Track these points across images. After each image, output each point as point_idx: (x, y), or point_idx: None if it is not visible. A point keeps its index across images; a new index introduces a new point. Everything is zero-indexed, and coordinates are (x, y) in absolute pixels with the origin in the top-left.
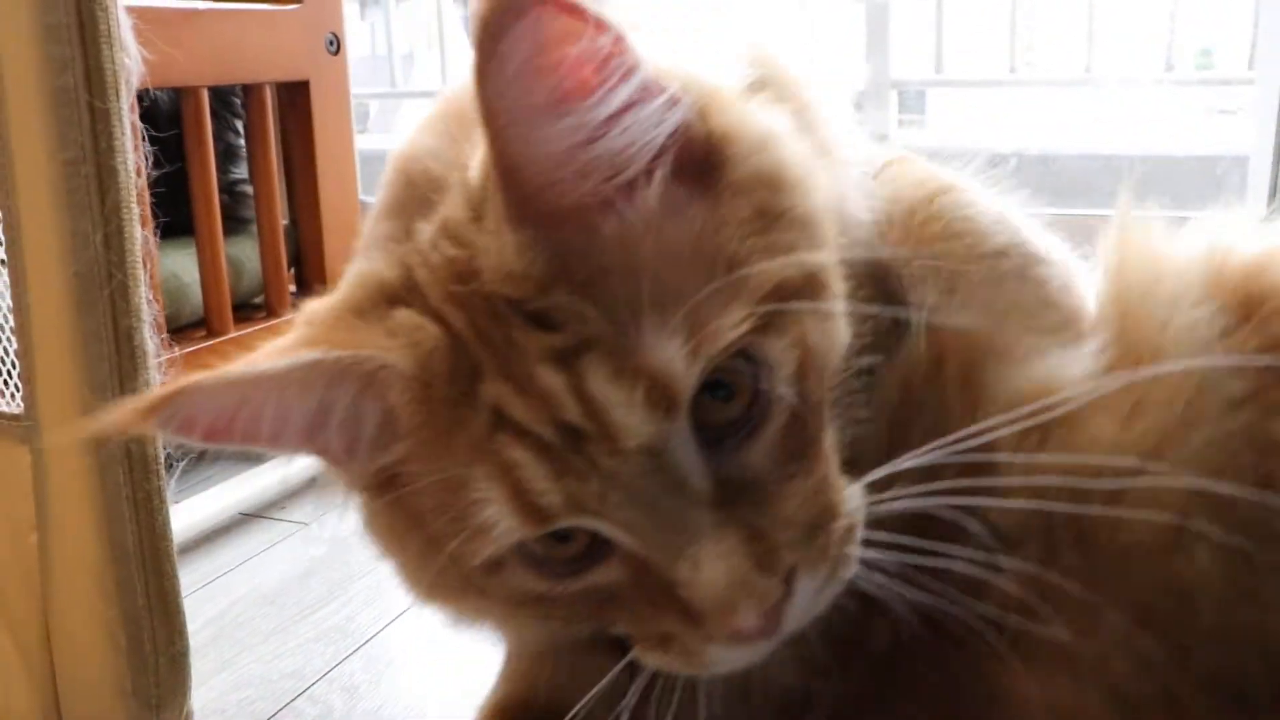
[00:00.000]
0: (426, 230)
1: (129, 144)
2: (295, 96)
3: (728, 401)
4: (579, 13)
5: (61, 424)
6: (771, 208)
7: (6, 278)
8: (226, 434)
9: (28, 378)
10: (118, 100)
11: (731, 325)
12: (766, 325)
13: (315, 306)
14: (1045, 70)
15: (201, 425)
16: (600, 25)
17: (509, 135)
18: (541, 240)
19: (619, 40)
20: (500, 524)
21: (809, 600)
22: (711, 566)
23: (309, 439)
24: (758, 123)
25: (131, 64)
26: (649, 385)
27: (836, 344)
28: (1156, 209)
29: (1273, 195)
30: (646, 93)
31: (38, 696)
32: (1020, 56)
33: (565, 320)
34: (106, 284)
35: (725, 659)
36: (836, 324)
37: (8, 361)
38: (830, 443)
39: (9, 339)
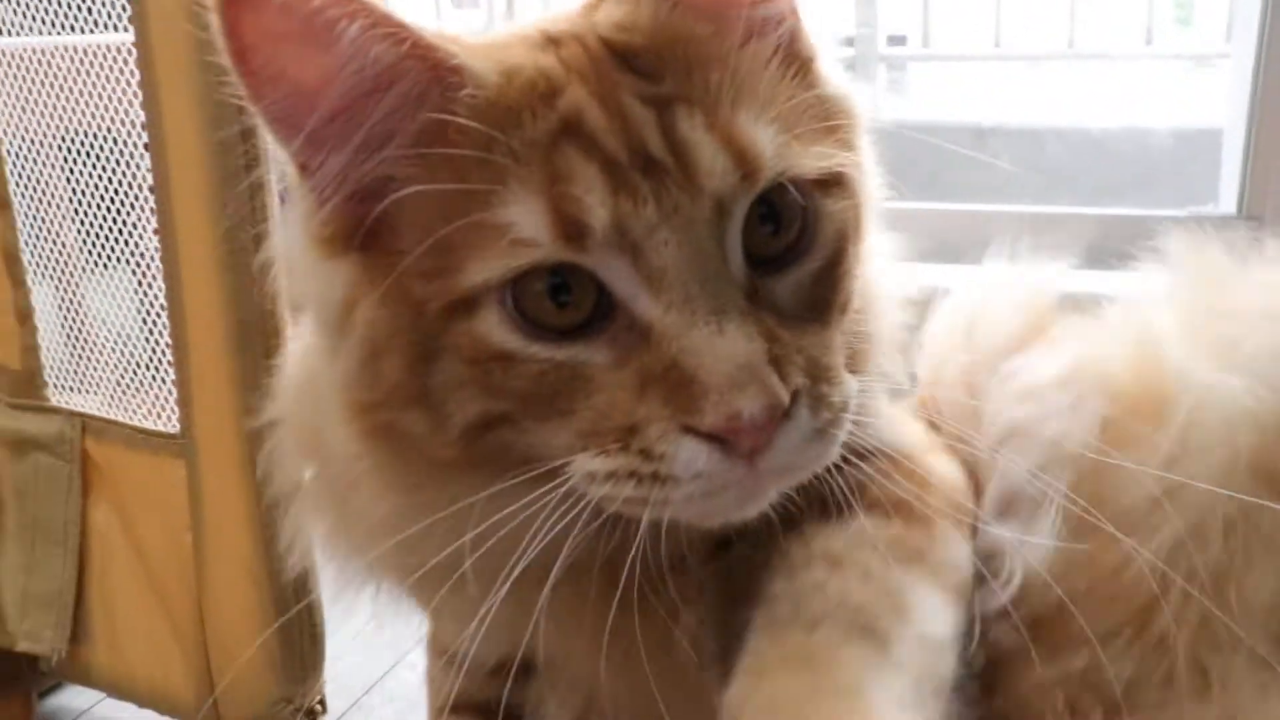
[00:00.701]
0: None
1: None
2: None
3: (774, 235)
4: None
5: (215, 442)
6: (853, 132)
7: (168, 320)
8: (284, 40)
9: (184, 403)
10: (269, 172)
11: (814, 158)
12: (830, 183)
13: None
14: (1028, 44)
15: (269, 19)
16: None
17: None
18: (673, 12)
19: None
20: (527, 231)
21: (797, 442)
22: (733, 338)
23: (342, 102)
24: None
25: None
26: (738, 148)
27: (864, 254)
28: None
29: (1245, 168)
30: None
31: (192, 672)
32: (1005, 31)
33: (667, 76)
34: (261, 327)
35: (695, 465)
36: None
37: (165, 388)
38: (840, 339)
39: (168, 369)
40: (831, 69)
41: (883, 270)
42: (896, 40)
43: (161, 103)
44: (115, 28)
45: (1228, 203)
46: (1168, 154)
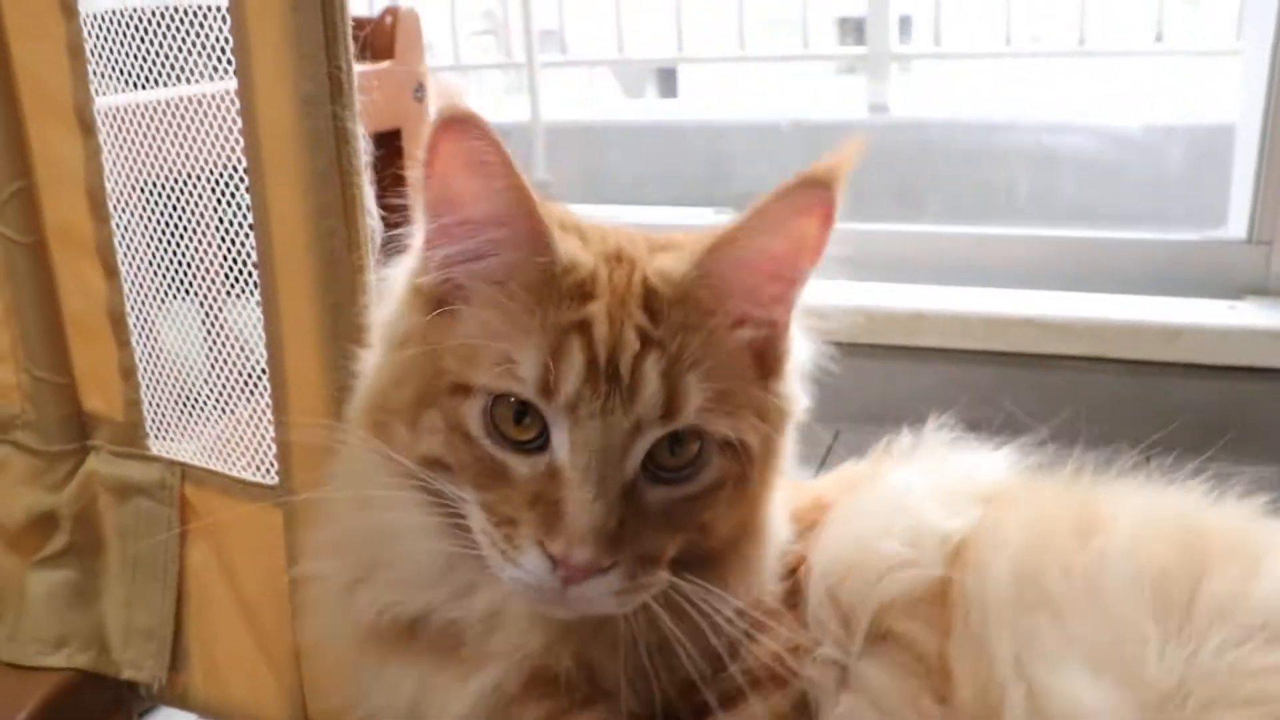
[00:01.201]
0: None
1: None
2: (390, 141)
3: (671, 457)
4: (827, 208)
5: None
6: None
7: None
8: (454, 168)
9: (283, 458)
10: (368, 256)
11: (726, 426)
12: (730, 446)
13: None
14: (1039, 42)
15: (460, 149)
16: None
17: (724, 251)
18: (703, 283)
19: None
20: (524, 369)
21: (601, 591)
22: (598, 508)
23: (469, 216)
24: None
25: (374, 224)
26: (671, 396)
27: (721, 514)
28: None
29: (1260, 164)
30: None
31: (286, 696)
32: (1015, 29)
33: (663, 324)
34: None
35: (530, 567)
36: (734, 503)
37: (265, 442)
38: (679, 548)
39: (268, 426)
40: (790, 376)
41: (775, 518)
42: (906, 22)
43: (260, 138)
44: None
45: (1237, 226)
46: (1180, 153)
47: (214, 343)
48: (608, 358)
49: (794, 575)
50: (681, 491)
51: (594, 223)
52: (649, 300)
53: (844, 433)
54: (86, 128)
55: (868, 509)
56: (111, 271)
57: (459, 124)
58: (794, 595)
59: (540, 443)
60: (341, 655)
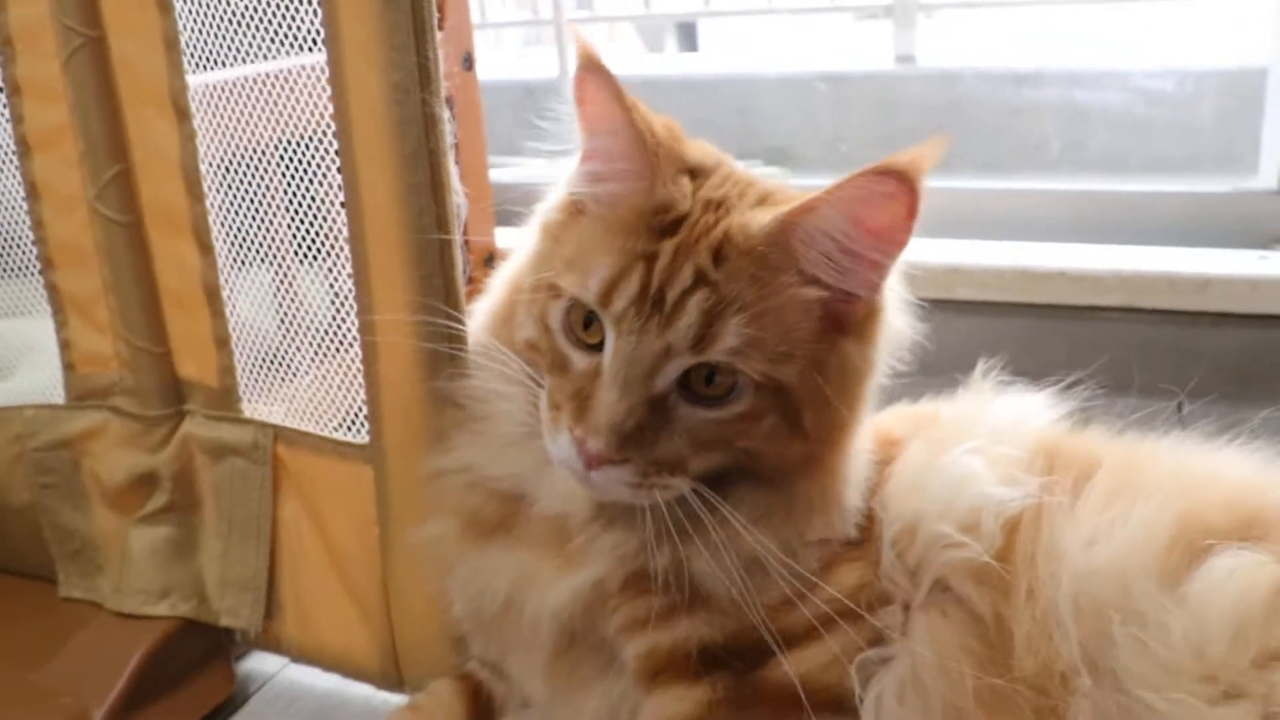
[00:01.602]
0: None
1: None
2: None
3: (707, 386)
4: (909, 199)
5: (402, 451)
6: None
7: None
8: (597, 104)
9: (374, 418)
10: (454, 231)
11: (766, 368)
12: (766, 387)
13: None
14: None
15: (599, 90)
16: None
17: (800, 219)
18: (774, 241)
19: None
20: (593, 280)
21: (616, 481)
22: (618, 408)
23: (607, 153)
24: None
25: (459, 200)
26: (705, 332)
27: (768, 445)
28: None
29: None
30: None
31: (377, 649)
32: None
33: (723, 269)
34: (449, 360)
35: (563, 445)
36: (782, 438)
37: (356, 404)
38: (712, 464)
39: (359, 388)
40: (870, 341)
41: (849, 464)
42: None
43: (352, 119)
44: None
45: (1268, 176)
46: (1212, 100)
47: (304, 310)
48: (659, 287)
49: (869, 507)
50: (712, 415)
51: (729, 169)
52: (721, 247)
53: (882, 383)
54: (181, 114)
55: (929, 483)
56: (206, 247)
57: (599, 70)
58: (869, 528)
59: (599, 346)
60: (451, 547)
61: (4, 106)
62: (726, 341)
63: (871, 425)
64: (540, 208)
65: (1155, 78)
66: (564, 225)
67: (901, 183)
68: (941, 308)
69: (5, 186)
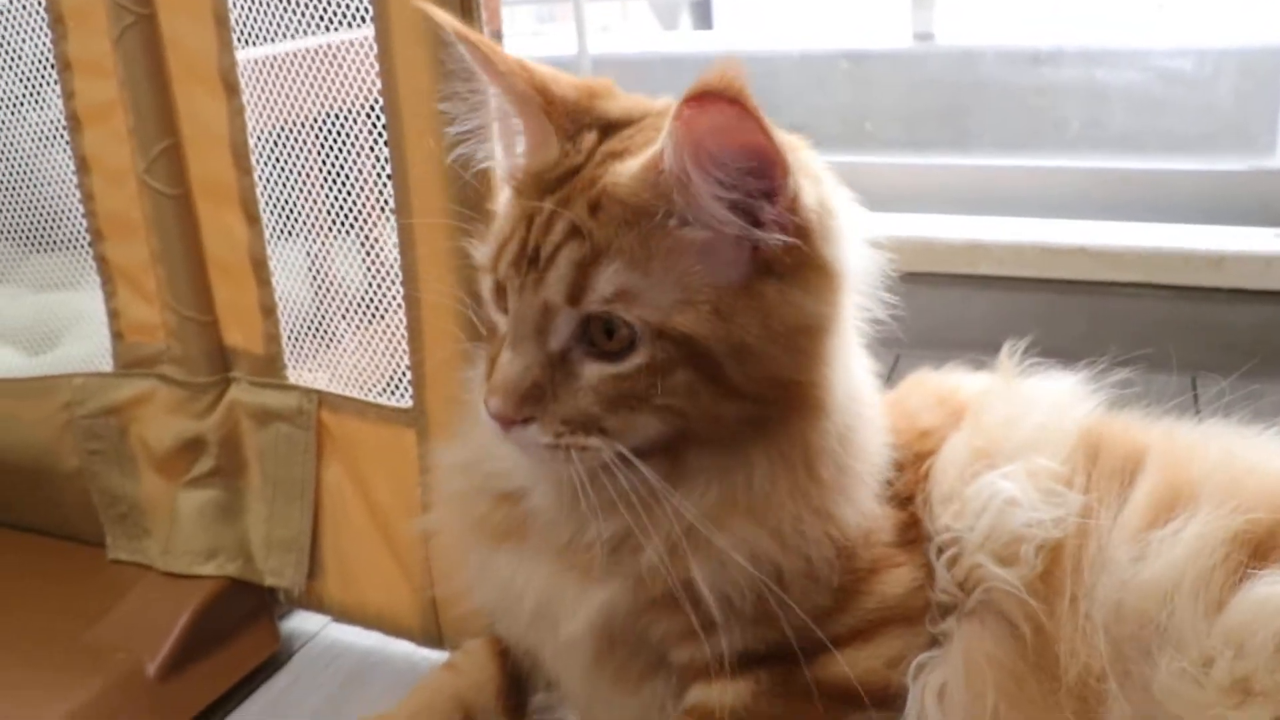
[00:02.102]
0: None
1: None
2: None
3: (607, 339)
4: (737, 114)
5: (446, 413)
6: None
7: (403, 306)
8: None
9: (418, 383)
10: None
11: (642, 315)
12: (668, 336)
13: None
14: None
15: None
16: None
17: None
18: (642, 186)
19: (789, 171)
20: (487, 246)
21: (530, 441)
22: (513, 367)
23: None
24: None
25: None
26: (576, 283)
27: (691, 403)
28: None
29: None
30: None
31: (418, 607)
32: None
33: (599, 225)
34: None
35: (484, 411)
36: (708, 395)
37: (400, 369)
38: (637, 426)
39: (403, 354)
40: (791, 283)
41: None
42: None
43: (399, 89)
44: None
45: None
46: (1230, 80)
47: (348, 279)
48: (535, 245)
49: (911, 505)
50: (613, 369)
51: (655, 121)
52: (599, 198)
53: (904, 357)
54: (230, 89)
55: (969, 506)
56: (253, 218)
57: (471, 42)
58: (912, 530)
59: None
60: (457, 543)
61: (55, 83)
62: (600, 290)
63: (892, 405)
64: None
65: (1174, 57)
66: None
67: (718, 101)
68: (963, 283)
69: (54, 161)
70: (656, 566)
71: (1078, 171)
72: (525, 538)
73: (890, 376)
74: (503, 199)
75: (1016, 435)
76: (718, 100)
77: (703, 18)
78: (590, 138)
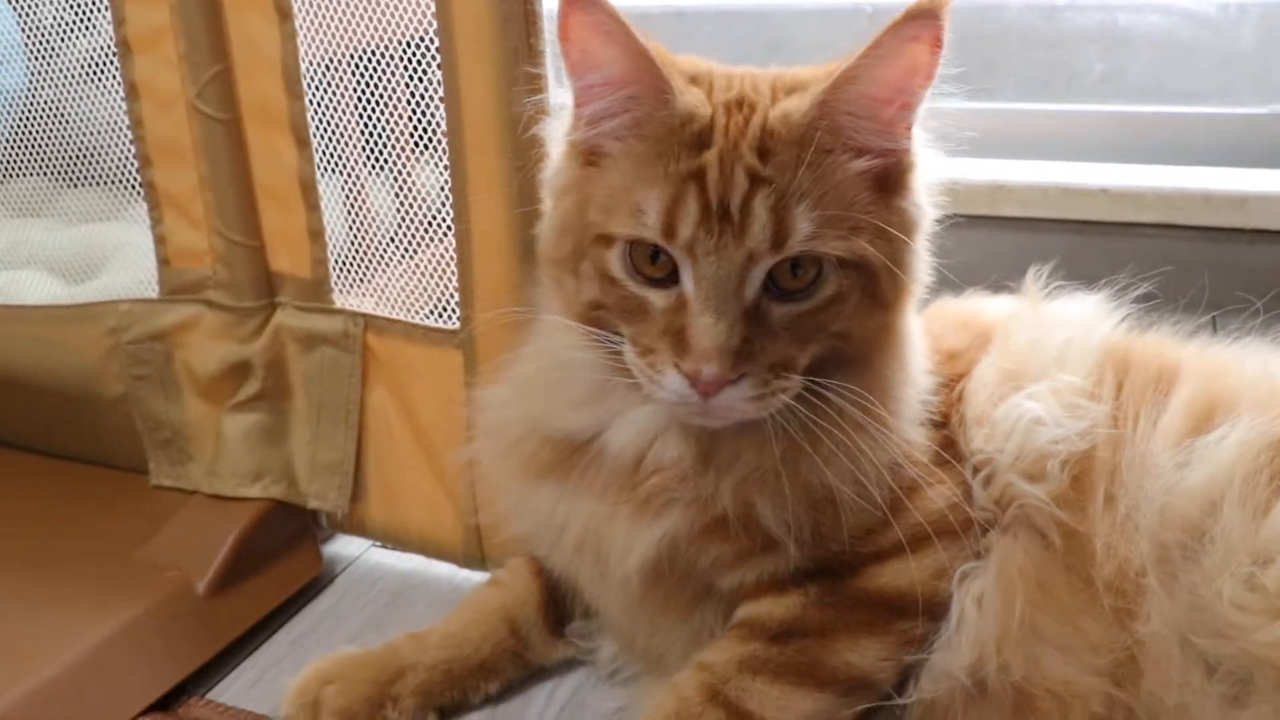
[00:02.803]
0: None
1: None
2: None
3: (793, 278)
4: (936, 33)
5: (491, 335)
6: (904, 242)
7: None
8: (585, 36)
9: (465, 305)
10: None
11: (842, 247)
12: (849, 263)
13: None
14: None
15: (586, 19)
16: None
17: (841, 88)
18: (820, 120)
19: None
20: (650, 215)
21: (737, 398)
22: (719, 329)
23: (603, 77)
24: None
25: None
26: (779, 228)
27: (855, 322)
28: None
29: None
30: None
31: (461, 529)
32: None
33: (773, 163)
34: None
35: (671, 385)
36: (865, 311)
37: (448, 292)
38: (814, 355)
39: (452, 276)
40: (914, 190)
41: (912, 332)
42: None
43: (454, 17)
44: None
45: None
46: (1252, 28)
47: (398, 202)
48: (719, 200)
49: (946, 427)
50: (804, 306)
51: (725, 70)
52: (764, 142)
53: (931, 298)
54: (283, 13)
55: (998, 429)
56: (303, 142)
57: (582, 1)
58: (950, 449)
59: (673, 277)
60: (498, 474)
61: (106, 9)
62: (802, 230)
63: (921, 329)
64: (547, 174)
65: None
66: (582, 178)
67: (929, 20)
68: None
69: (101, 89)
70: (750, 489)
71: (1100, 115)
72: (568, 474)
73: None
74: (567, 188)
75: (1042, 355)
76: (930, 20)
77: None
78: (698, 91)
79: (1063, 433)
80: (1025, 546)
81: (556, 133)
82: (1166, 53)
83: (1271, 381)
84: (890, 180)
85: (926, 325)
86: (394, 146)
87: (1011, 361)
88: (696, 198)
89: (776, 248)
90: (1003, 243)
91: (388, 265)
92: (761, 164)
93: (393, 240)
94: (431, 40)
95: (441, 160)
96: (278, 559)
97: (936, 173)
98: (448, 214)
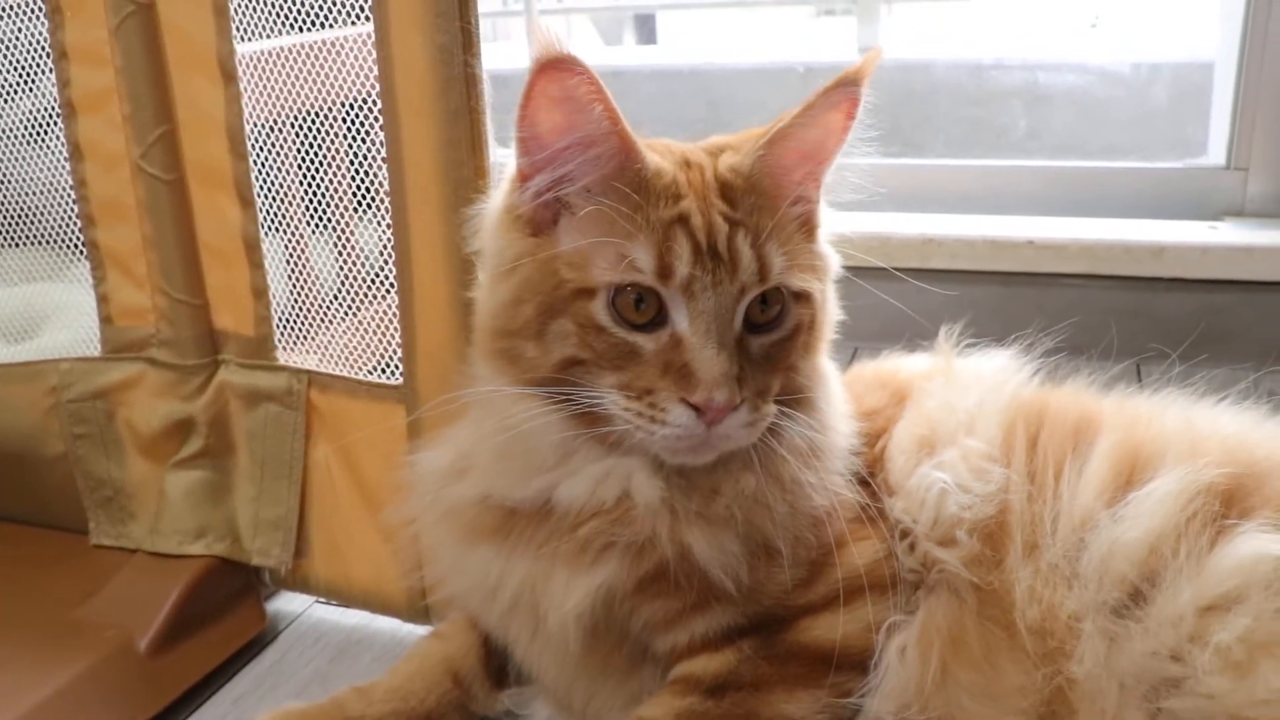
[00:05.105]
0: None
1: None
2: None
3: (763, 312)
4: (855, 100)
5: (435, 389)
6: (824, 275)
7: (397, 297)
8: (546, 106)
9: (408, 360)
10: (490, 183)
11: (798, 280)
12: (802, 295)
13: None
14: None
15: (556, 88)
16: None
17: (778, 143)
18: (763, 171)
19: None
20: (641, 260)
21: (737, 425)
22: (723, 359)
23: (575, 147)
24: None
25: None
26: (762, 263)
27: (800, 356)
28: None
29: (1236, 97)
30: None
31: (405, 583)
32: None
33: (740, 208)
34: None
35: (678, 420)
36: (805, 346)
37: (390, 348)
38: (778, 385)
39: (395, 337)
40: (824, 239)
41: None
42: None
43: (396, 79)
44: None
45: (1217, 154)
46: (1165, 88)
47: (341, 261)
48: (708, 241)
49: (869, 485)
50: (775, 337)
51: (657, 140)
52: (725, 191)
53: (861, 350)
54: (228, 76)
55: (914, 497)
56: (248, 202)
57: (558, 65)
58: (876, 503)
59: (659, 320)
60: (433, 537)
61: (50, 71)
62: (777, 264)
63: (842, 386)
64: (484, 251)
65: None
66: (534, 245)
67: (851, 89)
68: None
69: (42, 150)
70: (676, 531)
71: (1024, 170)
72: (508, 536)
73: (849, 368)
74: (526, 249)
75: (951, 421)
76: (853, 88)
77: (646, 33)
78: (667, 149)
79: (969, 499)
80: (944, 604)
81: (489, 210)
82: (1086, 110)
83: (1193, 432)
84: (809, 227)
85: (848, 388)
86: (337, 206)
87: (924, 427)
88: (687, 240)
89: (762, 280)
90: (935, 296)
91: (331, 322)
92: (731, 209)
93: (336, 298)
94: (374, 102)
95: (384, 219)
96: (221, 616)
97: (835, 225)
98: (390, 272)
